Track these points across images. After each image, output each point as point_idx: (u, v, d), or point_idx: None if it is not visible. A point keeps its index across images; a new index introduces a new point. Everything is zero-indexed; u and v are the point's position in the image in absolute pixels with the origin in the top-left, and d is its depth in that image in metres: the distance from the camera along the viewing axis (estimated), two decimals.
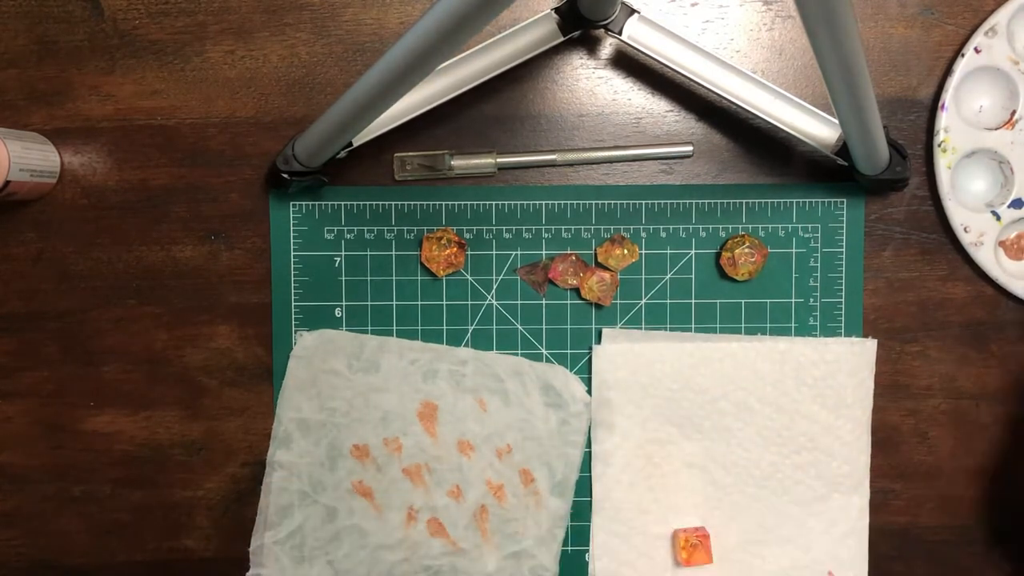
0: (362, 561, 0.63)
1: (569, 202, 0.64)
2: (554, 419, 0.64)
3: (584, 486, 0.65)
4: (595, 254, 0.64)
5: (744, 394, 0.64)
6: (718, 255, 0.64)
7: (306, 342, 0.63)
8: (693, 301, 0.65)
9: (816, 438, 0.64)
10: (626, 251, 0.64)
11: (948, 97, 0.63)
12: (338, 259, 0.64)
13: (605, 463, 0.64)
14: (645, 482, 0.64)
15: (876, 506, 0.66)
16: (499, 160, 0.64)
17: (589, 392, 0.64)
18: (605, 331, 0.64)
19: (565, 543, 0.65)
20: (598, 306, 0.65)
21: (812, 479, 0.64)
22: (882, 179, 0.61)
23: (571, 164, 0.64)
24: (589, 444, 0.65)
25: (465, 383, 0.64)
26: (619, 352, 0.64)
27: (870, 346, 0.64)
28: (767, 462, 0.64)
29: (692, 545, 0.63)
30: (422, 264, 0.64)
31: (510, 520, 0.64)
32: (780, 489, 0.65)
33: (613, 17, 0.59)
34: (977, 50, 0.62)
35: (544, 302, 0.65)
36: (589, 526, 0.65)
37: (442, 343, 0.64)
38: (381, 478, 0.63)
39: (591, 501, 0.65)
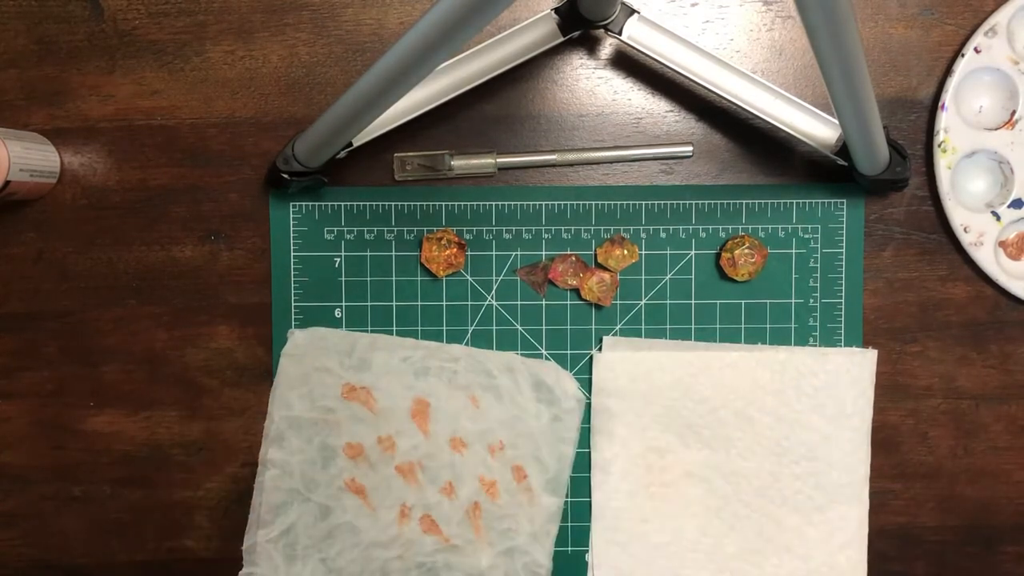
0: (355, 559, 0.63)
1: (569, 202, 0.64)
2: (546, 415, 0.64)
3: (583, 487, 0.65)
4: (595, 255, 0.64)
5: (744, 403, 0.64)
6: (718, 256, 0.64)
7: (297, 340, 0.63)
8: (693, 302, 0.65)
9: (815, 448, 0.64)
10: (626, 252, 0.64)
11: (948, 97, 0.63)
12: (338, 259, 0.64)
13: (605, 471, 0.64)
14: (645, 491, 0.64)
15: (876, 506, 0.66)
16: (499, 160, 0.64)
17: (581, 389, 0.64)
18: (605, 339, 0.64)
19: (564, 543, 0.65)
20: (598, 307, 0.65)
21: (811, 489, 0.64)
22: (882, 179, 0.61)
23: (571, 164, 0.64)
24: (582, 442, 0.65)
25: (457, 380, 0.64)
26: (619, 360, 0.64)
27: (871, 356, 0.64)
28: (767, 472, 0.64)
29: None
30: (422, 265, 0.64)
31: (503, 516, 0.64)
32: (779, 499, 0.64)
33: (613, 17, 0.59)
34: (977, 50, 0.62)
35: (544, 303, 0.65)
36: (589, 527, 0.65)
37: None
38: (374, 476, 0.63)
39: (591, 503, 0.65)
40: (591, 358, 0.65)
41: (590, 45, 0.64)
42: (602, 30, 0.60)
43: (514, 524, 0.64)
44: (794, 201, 0.65)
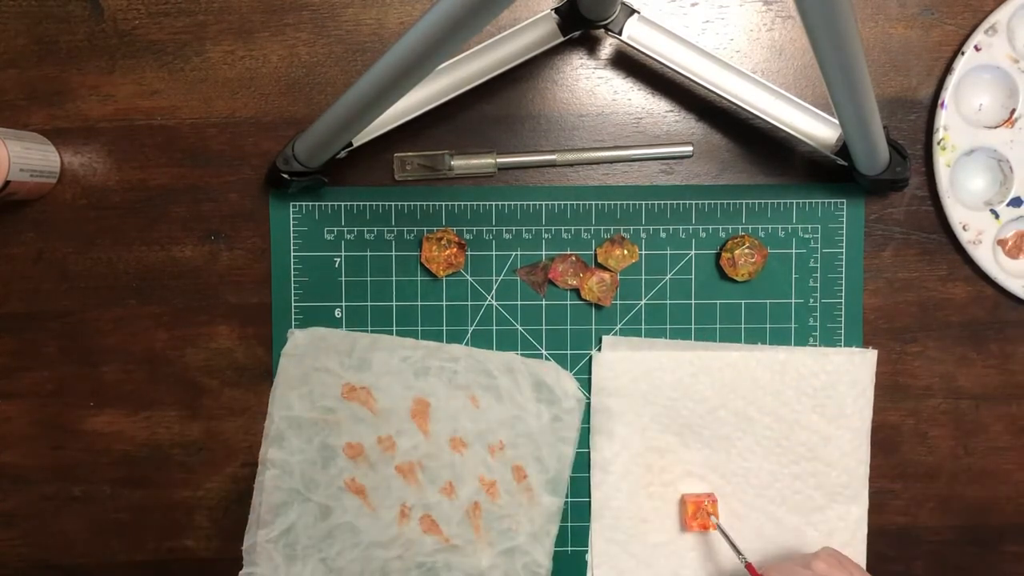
0: (355, 559, 0.63)
1: (569, 202, 0.64)
2: (546, 415, 0.64)
3: (583, 487, 0.65)
4: (595, 254, 0.64)
5: (744, 403, 0.64)
6: (718, 255, 0.64)
7: (297, 340, 0.63)
8: (693, 302, 0.65)
9: (815, 448, 0.64)
10: (626, 251, 0.64)
11: (948, 95, 0.63)
12: (338, 259, 0.64)
13: (604, 471, 0.64)
14: (644, 490, 0.64)
15: (876, 506, 0.66)
16: (499, 160, 0.64)
17: (581, 389, 0.64)
18: (605, 339, 0.64)
19: (564, 542, 0.65)
20: (598, 307, 0.65)
21: (811, 489, 0.64)
22: (882, 179, 0.61)
23: (571, 164, 0.64)
24: (582, 442, 0.65)
25: (457, 380, 0.64)
26: (619, 360, 0.64)
27: (870, 356, 0.64)
28: (766, 471, 0.64)
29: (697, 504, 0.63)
30: (422, 265, 0.64)
31: (503, 516, 0.64)
32: (779, 498, 0.64)
33: (613, 17, 0.59)
34: (977, 48, 0.62)
35: (544, 303, 0.65)
36: (589, 527, 0.65)
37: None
38: (374, 476, 0.63)
39: (591, 503, 0.65)
40: (591, 358, 0.65)
41: (590, 45, 0.64)
42: (602, 30, 0.60)
43: (514, 524, 0.64)
44: (794, 201, 0.65)
